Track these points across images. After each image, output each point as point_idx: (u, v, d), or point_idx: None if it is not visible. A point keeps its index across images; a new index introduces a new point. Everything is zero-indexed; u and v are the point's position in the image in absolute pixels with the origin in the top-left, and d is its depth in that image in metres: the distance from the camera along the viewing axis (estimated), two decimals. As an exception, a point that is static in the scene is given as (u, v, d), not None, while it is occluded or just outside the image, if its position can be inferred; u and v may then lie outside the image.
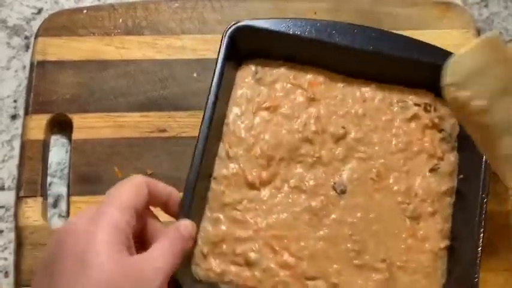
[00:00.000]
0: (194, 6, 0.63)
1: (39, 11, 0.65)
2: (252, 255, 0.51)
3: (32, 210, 0.55)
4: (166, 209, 0.47)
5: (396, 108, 0.56)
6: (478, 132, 0.46)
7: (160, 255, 0.40)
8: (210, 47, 0.60)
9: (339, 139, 0.55)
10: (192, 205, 0.48)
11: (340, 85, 0.57)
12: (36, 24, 0.62)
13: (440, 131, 0.56)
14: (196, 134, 0.50)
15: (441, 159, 0.55)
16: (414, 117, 0.56)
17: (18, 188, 0.56)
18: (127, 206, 0.40)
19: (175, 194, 0.46)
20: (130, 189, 0.41)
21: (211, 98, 0.51)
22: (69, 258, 0.37)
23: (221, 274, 0.50)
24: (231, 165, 0.53)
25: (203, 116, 0.50)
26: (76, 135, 0.57)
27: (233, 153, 0.53)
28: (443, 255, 0.52)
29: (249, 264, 0.50)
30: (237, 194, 0.52)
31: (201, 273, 0.50)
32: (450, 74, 0.44)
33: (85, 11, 0.62)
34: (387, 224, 0.53)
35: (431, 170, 0.54)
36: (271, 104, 0.55)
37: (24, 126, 0.58)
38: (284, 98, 0.56)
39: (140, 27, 0.62)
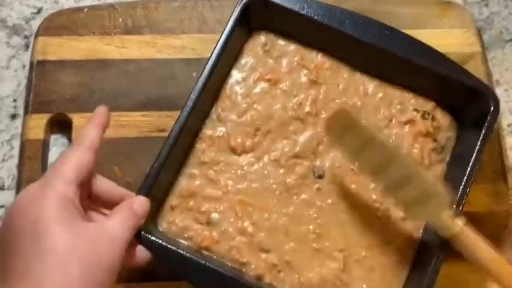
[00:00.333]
0: (194, 6, 0.63)
1: (39, 10, 0.64)
2: (214, 216, 0.51)
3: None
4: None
5: (394, 109, 0.56)
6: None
7: (116, 223, 0.41)
8: (210, 46, 0.60)
9: None
10: (169, 158, 0.49)
11: (345, 75, 0.57)
12: (36, 24, 0.62)
13: (434, 141, 0.55)
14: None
15: (427, 168, 0.54)
16: (410, 121, 0.56)
17: (18, 188, 0.56)
18: (70, 179, 0.40)
19: (129, 195, 0.46)
20: (73, 161, 0.41)
21: (213, 58, 0.51)
22: (21, 236, 0.37)
23: (182, 229, 0.51)
24: (219, 128, 0.54)
25: (200, 74, 0.51)
26: (76, 135, 0.57)
27: (224, 116, 0.54)
28: (407, 260, 0.52)
29: (209, 223, 0.51)
30: (216, 155, 0.53)
31: (164, 225, 0.51)
32: None
33: (85, 11, 0.62)
34: (356, 217, 0.53)
35: None
36: (272, 76, 0.56)
37: (24, 126, 0.58)
38: (287, 74, 0.56)
39: (140, 27, 0.61)
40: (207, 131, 0.54)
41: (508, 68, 0.64)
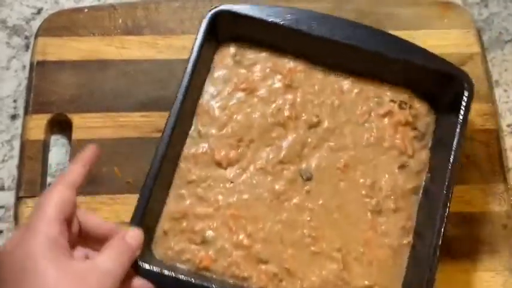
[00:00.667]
0: (194, 6, 0.63)
1: (39, 11, 0.65)
2: (209, 234, 0.51)
3: (31, 211, 0.54)
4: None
5: (372, 103, 0.56)
6: None
7: (107, 259, 0.40)
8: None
9: (311, 127, 0.55)
10: (155, 185, 0.48)
11: (319, 76, 0.57)
12: (36, 24, 0.62)
13: (414, 129, 0.56)
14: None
15: (411, 157, 0.55)
16: (388, 113, 0.56)
17: (18, 188, 0.56)
18: (53, 218, 0.39)
19: (117, 229, 0.45)
20: (54, 200, 0.40)
21: (186, 77, 0.51)
22: (11, 275, 0.37)
23: (179, 252, 0.50)
24: (202, 144, 0.54)
25: (176, 94, 0.50)
26: (76, 135, 0.57)
27: (205, 132, 0.54)
28: (403, 252, 0.52)
29: (204, 242, 0.51)
30: (203, 172, 0.53)
31: (160, 251, 0.51)
32: None
33: (85, 11, 0.62)
34: (348, 214, 0.53)
35: (400, 167, 0.55)
36: (248, 85, 0.56)
37: (24, 126, 0.58)
38: (262, 81, 0.56)
39: (140, 27, 0.61)
40: (190, 149, 0.53)
41: (507, 69, 0.64)
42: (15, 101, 0.61)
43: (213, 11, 0.53)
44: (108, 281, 0.39)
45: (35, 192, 0.55)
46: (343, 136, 0.55)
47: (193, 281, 0.47)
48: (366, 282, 0.51)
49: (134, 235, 0.44)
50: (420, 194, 0.54)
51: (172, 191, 0.52)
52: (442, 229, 0.49)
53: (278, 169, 0.54)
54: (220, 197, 0.52)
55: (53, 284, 0.36)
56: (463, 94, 0.52)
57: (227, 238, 0.51)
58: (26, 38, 0.63)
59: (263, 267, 0.51)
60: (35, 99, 0.58)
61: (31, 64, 0.60)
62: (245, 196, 0.53)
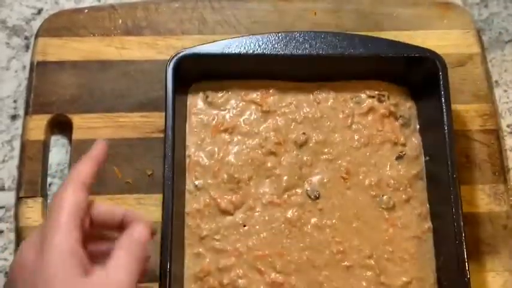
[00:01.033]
0: (194, 7, 0.63)
1: (39, 11, 0.65)
2: (240, 282, 0.50)
3: (32, 211, 0.54)
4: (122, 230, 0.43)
5: (351, 104, 0.57)
6: None
7: (119, 268, 0.39)
8: (210, 47, 0.60)
9: (302, 145, 0.55)
10: (172, 247, 0.47)
11: (292, 92, 0.57)
12: (36, 25, 0.62)
13: (399, 117, 0.57)
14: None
15: (404, 145, 0.56)
16: (370, 109, 0.57)
17: (18, 189, 0.56)
18: (68, 228, 0.38)
19: (130, 214, 0.44)
20: (67, 208, 0.39)
21: (169, 135, 0.51)
22: None
23: None
24: (202, 197, 0.53)
25: (164, 154, 0.50)
26: (76, 135, 0.57)
27: (201, 183, 0.54)
28: (427, 238, 0.53)
29: None
30: (212, 224, 0.52)
31: None
32: None
33: (85, 12, 0.62)
34: (366, 219, 0.53)
35: (398, 158, 0.56)
36: (227, 125, 0.56)
37: (24, 127, 0.58)
38: (239, 116, 0.56)
39: (140, 28, 0.62)
40: (192, 205, 0.53)
41: (507, 69, 0.64)
42: (15, 101, 0.61)
43: (175, 58, 0.53)
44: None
45: (35, 192, 0.55)
46: (335, 144, 0.56)
47: None
48: (404, 279, 0.51)
49: (140, 229, 0.42)
50: (425, 178, 0.55)
51: (187, 251, 0.52)
52: (459, 201, 0.49)
53: (285, 197, 0.54)
54: (238, 244, 0.52)
55: None
56: (438, 72, 0.53)
57: (259, 280, 0.51)
58: (26, 38, 0.63)
59: None
60: (35, 100, 0.58)
61: (31, 64, 0.60)
62: (263, 235, 0.52)
